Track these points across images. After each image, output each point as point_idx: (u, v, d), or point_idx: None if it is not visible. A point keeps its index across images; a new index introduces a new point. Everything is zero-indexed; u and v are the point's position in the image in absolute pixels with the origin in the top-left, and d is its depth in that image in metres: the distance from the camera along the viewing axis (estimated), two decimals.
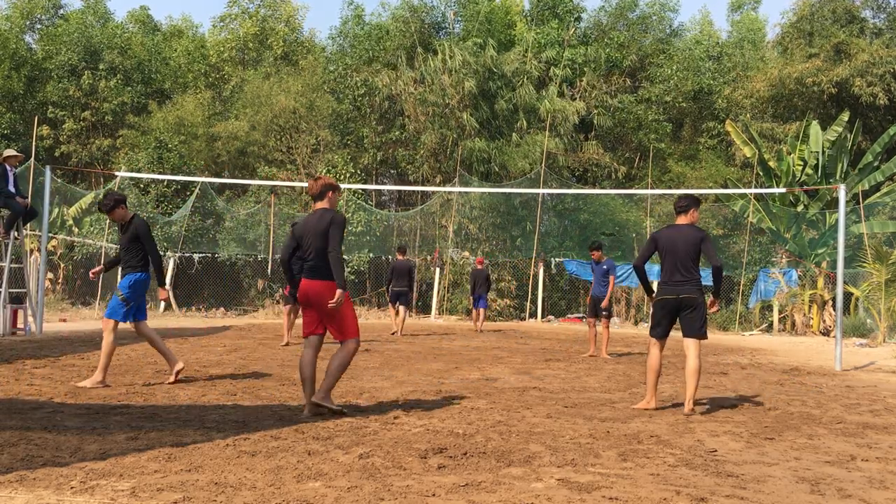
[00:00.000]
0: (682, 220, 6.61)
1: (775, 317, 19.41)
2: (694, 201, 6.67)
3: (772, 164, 22.43)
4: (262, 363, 9.18)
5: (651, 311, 6.68)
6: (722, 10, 63.99)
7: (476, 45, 24.56)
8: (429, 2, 27.50)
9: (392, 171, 27.85)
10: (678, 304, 6.40)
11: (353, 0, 29.56)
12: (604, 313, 11.19)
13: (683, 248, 6.40)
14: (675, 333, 6.61)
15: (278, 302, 21.61)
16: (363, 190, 24.13)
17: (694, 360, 6.37)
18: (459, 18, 27.69)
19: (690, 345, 6.43)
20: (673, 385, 8.20)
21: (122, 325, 7.05)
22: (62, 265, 21.67)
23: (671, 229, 6.57)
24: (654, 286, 6.85)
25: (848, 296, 17.92)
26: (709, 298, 6.61)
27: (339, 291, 5.51)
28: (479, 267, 16.73)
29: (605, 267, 11.25)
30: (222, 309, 20.95)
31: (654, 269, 21.05)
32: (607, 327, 11.26)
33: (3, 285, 11.55)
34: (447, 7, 28.25)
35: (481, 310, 16.47)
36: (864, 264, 16.62)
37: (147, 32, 31.58)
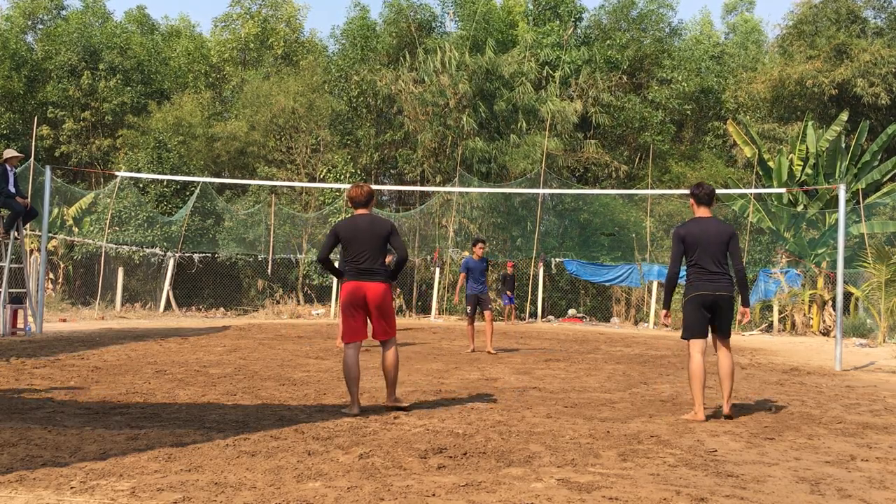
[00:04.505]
0: (704, 212, 6.24)
1: (775, 317, 19.40)
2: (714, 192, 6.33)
3: (771, 164, 22.45)
4: (262, 363, 9.18)
5: (684, 311, 6.27)
6: (719, 11, 63.96)
7: (470, 43, 24.50)
8: (417, 1, 27.43)
9: (392, 171, 27.85)
10: (714, 300, 6.07)
11: (360, 1, 29.51)
12: (489, 307, 11.35)
13: (716, 241, 6.04)
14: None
15: (278, 302, 21.62)
16: None
17: (727, 359, 6.14)
18: (456, 19, 27.62)
19: (722, 344, 6.21)
20: (673, 385, 8.20)
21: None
22: (62, 265, 21.67)
23: (697, 223, 6.16)
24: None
25: (848, 296, 17.91)
26: (738, 307, 6.24)
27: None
28: (510, 271, 20.20)
29: (484, 265, 11.42)
30: (222, 309, 20.95)
31: (653, 270, 21.12)
32: (491, 322, 11.37)
33: (3, 285, 11.55)
34: (444, 9, 28.19)
35: (511, 306, 20.38)
36: (865, 264, 16.62)
37: (145, 32, 31.55)
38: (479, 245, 11.51)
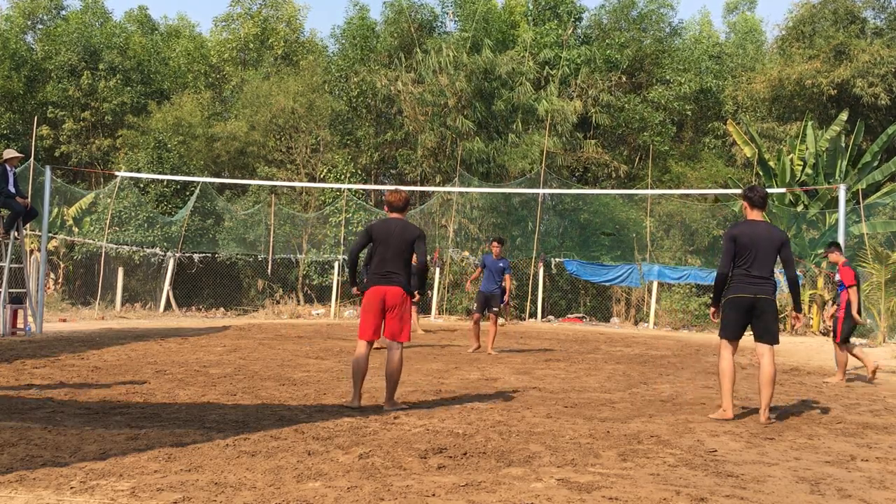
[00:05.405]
0: (757, 215, 6.23)
1: None
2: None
3: (772, 164, 22.46)
4: (262, 363, 9.18)
5: (722, 311, 6.29)
6: (719, 10, 63.91)
7: (470, 43, 24.47)
8: (417, 1, 27.41)
9: (392, 171, 27.86)
10: (753, 303, 6.09)
11: (360, 1, 29.47)
12: (494, 309, 11.29)
13: (765, 246, 6.05)
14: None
15: (278, 302, 21.62)
16: (363, 190, 24.15)
17: (769, 366, 6.09)
18: (456, 19, 27.58)
19: (766, 351, 6.15)
20: (673, 385, 8.20)
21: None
22: (62, 265, 21.67)
23: (750, 226, 6.18)
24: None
25: None
26: (790, 312, 6.32)
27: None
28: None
29: (501, 265, 11.33)
30: (222, 309, 20.94)
31: (654, 270, 21.10)
32: (496, 323, 11.34)
33: (3, 285, 11.55)
34: (443, 9, 28.16)
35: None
36: (865, 264, 16.62)
37: (145, 32, 31.55)
38: (494, 243, 11.47)
